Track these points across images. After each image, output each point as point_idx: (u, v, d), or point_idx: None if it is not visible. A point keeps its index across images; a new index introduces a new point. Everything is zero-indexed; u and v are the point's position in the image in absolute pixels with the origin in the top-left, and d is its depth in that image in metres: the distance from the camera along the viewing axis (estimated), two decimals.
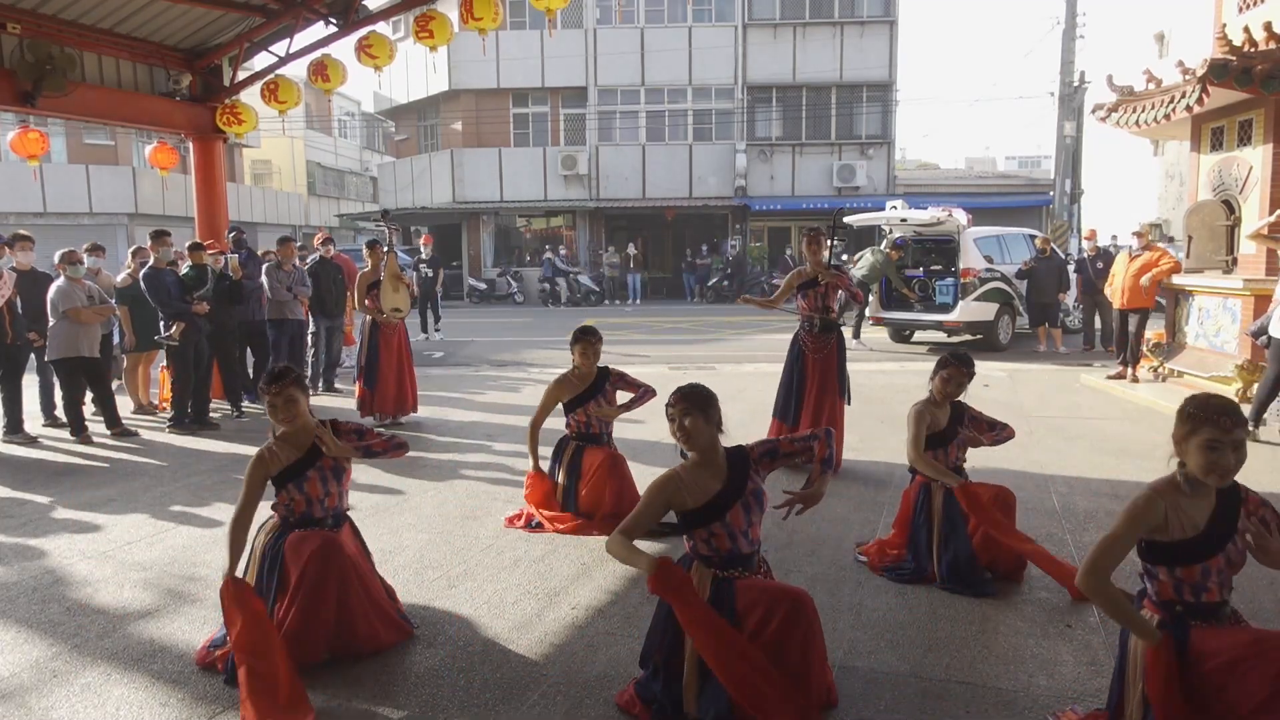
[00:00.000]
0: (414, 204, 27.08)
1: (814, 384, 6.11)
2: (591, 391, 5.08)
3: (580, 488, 5.00)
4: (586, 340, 5.04)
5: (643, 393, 5.19)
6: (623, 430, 6.91)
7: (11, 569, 4.46)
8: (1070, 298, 13.27)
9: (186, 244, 8.33)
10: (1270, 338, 6.83)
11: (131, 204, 24.94)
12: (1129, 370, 9.62)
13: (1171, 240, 18.16)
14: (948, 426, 4.26)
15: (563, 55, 25.28)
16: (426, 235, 17.86)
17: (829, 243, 6.17)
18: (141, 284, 7.77)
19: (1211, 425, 2.45)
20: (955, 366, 4.25)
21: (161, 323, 7.84)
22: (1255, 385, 7.31)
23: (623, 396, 5.21)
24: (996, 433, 4.43)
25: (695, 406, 2.96)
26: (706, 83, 25.84)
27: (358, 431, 3.63)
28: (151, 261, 7.88)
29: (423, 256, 16.12)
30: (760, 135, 26.04)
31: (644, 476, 5.97)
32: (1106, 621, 3.66)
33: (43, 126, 13.53)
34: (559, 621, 3.74)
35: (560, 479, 5.09)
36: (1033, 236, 14.01)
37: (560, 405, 5.15)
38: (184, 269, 8.03)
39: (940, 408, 4.29)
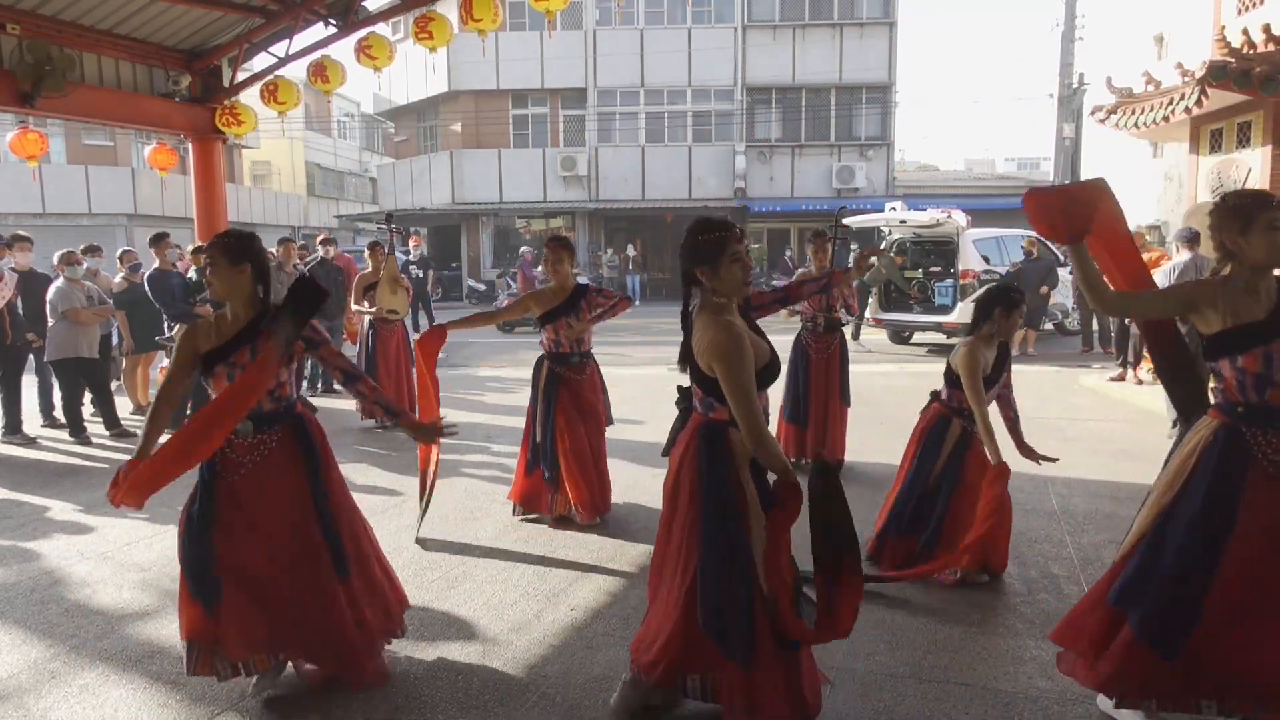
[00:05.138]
0: (413, 205, 27.07)
1: (818, 385, 6.13)
2: (567, 306, 4.86)
3: (560, 474, 4.95)
4: (550, 247, 4.85)
5: (617, 301, 5.04)
6: (622, 431, 6.90)
7: (10, 570, 4.46)
8: (1062, 296, 13.32)
9: (190, 248, 8.33)
10: None
11: (131, 205, 24.90)
12: (1128, 372, 9.62)
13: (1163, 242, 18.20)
14: (994, 370, 4.06)
15: (562, 56, 25.28)
16: (416, 236, 17.86)
17: (831, 245, 6.19)
18: (146, 285, 7.79)
19: (1264, 208, 2.53)
20: (1017, 307, 4.03)
21: (166, 324, 7.84)
22: None
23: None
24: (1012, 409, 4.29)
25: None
26: (706, 84, 25.85)
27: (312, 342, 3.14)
28: (157, 264, 7.89)
29: (412, 258, 16.15)
30: (759, 137, 26.05)
31: (644, 477, 5.99)
32: None
33: (42, 127, 13.51)
34: (558, 623, 3.74)
35: (537, 433, 4.96)
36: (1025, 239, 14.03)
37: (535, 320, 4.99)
38: (191, 273, 8.04)
39: (990, 347, 4.06)
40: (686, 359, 2.77)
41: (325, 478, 3.13)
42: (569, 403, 4.92)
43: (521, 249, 20.38)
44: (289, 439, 3.08)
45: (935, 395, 4.34)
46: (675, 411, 2.97)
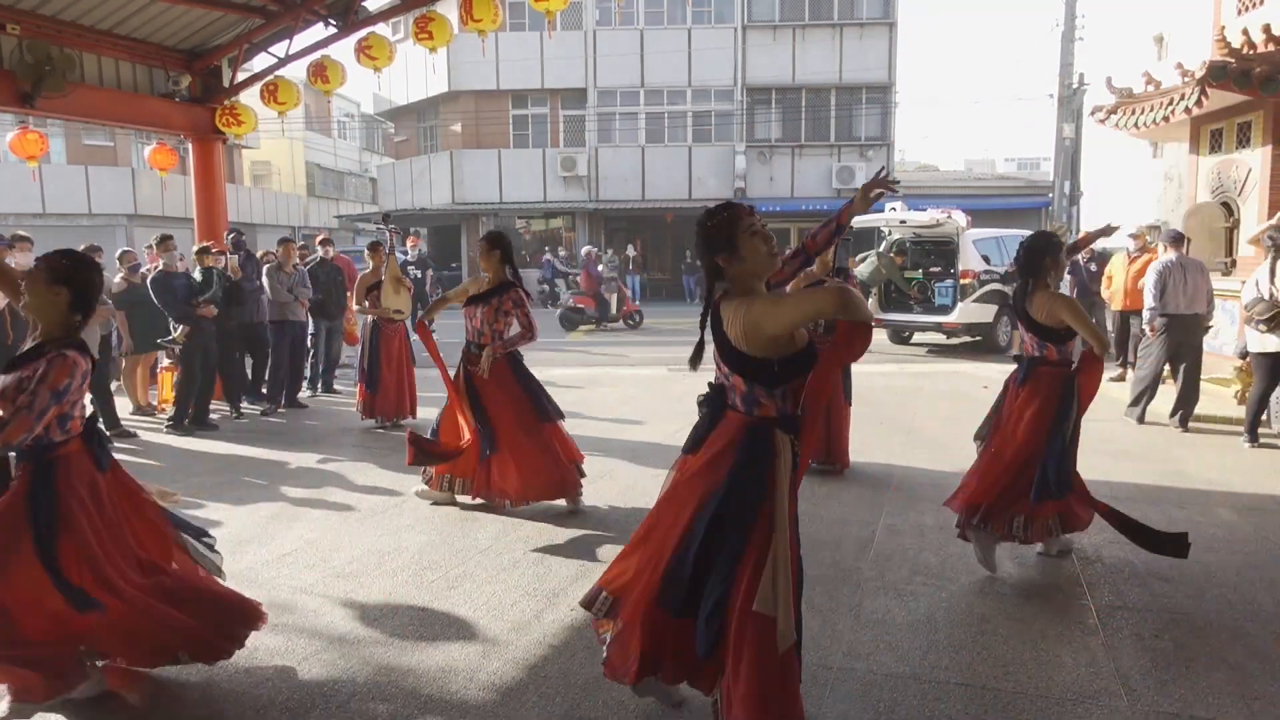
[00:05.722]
0: (413, 205, 27.10)
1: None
2: (487, 295, 5.18)
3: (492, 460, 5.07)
4: (480, 243, 5.26)
5: (525, 331, 5.22)
6: (622, 431, 6.90)
7: None
8: None
9: (194, 249, 8.35)
10: (1249, 352, 6.87)
11: (131, 205, 24.93)
12: (1128, 372, 9.62)
13: None
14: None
15: (562, 57, 25.31)
16: (414, 237, 17.87)
17: (834, 245, 6.19)
18: (149, 288, 7.81)
19: None
20: (1061, 248, 4.21)
21: (171, 324, 7.84)
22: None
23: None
24: None
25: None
26: (706, 84, 25.87)
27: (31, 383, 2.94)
28: (162, 265, 7.91)
29: (410, 259, 16.14)
30: (759, 137, 26.07)
31: (644, 478, 5.99)
32: (1106, 623, 3.67)
33: (42, 127, 13.52)
34: (558, 623, 3.74)
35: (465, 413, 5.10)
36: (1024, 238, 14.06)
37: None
38: (196, 273, 8.06)
39: None
40: (698, 359, 2.71)
41: (53, 519, 2.91)
42: (462, 387, 5.14)
43: (585, 248, 20.44)
44: (25, 479, 2.94)
45: (1036, 360, 4.24)
46: (675, 411, 2.98)
